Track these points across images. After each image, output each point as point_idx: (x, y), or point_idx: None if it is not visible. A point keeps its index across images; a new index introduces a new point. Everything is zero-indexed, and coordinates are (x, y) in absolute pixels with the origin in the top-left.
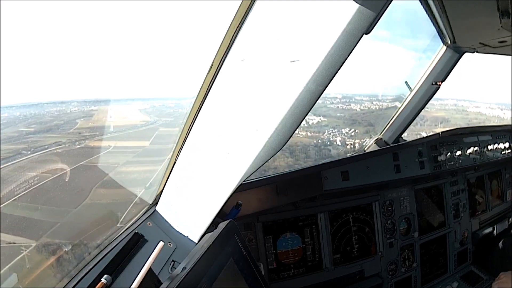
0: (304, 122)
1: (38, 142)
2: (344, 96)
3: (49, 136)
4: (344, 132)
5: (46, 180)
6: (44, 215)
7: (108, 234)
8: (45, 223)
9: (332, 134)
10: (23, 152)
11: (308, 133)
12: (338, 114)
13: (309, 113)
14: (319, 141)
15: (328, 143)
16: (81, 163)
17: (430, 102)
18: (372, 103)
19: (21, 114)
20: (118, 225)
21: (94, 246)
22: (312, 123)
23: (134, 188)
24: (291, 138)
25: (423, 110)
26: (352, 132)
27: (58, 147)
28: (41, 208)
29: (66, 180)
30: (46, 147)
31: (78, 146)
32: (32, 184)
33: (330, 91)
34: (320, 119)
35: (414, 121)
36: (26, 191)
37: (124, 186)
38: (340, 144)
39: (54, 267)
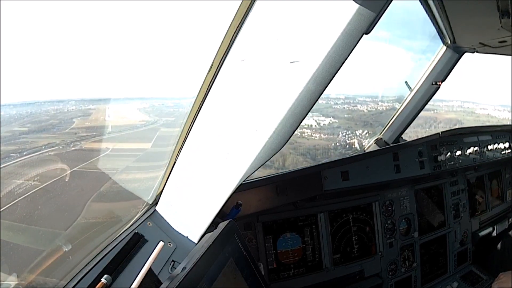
0: (315, 123)
1: (30, 143)
2: (347, 97)
3: (43, 136)
4: (358, 134)
5: (33, 190)
6: (28, 237)
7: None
8: (29, 250)
9: (347, 136)
10: (11, 154)
11: (322, 135)
12: (345, 115)
13: (319, 114)
14: (337, 143)
15: (347, 146)
16: (75, 168)
17: (436, 103)
18: (378, 104)
19: (17, 112)
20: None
21: (94, 246)
22: (324, 124)
23: (136, 202)
24: (307, 141)
25: (433, 112)
26: (366, 133)
27: (51, 149)
28: (25, 227)
29: (56, 191)
30: (37, 149)
31: (73, 148)
32: (19, 194)
33: (331, 92)
34: (330, 120)
35: (428, 123)
36: (11, 204)
37: (125, 199)
38: (358, 147)
39: (54, 267)
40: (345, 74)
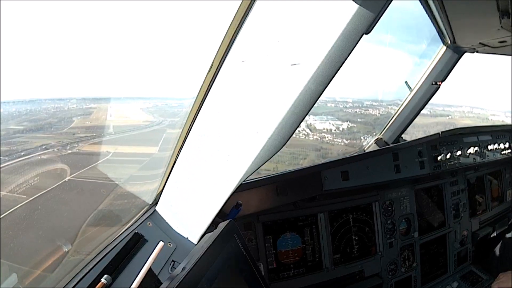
0: (334, 127)
1: (24, 144)
2: (354, 100)
3: (39, 136)
4: None
5: (17, 206)
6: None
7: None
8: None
9: (369, 141)
10: (1, 157)
11: (345, 140)
12: (359, 119)
13: (335, 118)
14: (365, 150)
15: None
16: (69, 177)
17: (447, 108)
18: (388, 108)
19: (17, 110)
20: None
21: (94, 246)
22: (343, 128)
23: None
24: (332, 147)
25: (449, 118)
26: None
27: (45, 151)
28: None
29: (44, 206)
30: (30, 151)
31: (69, 151)
32: (8, 205)
33: (335, 95)
34: (348, 124)
35: (448, 129)
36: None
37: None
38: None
39: (54, 267)
40: (347, 77)
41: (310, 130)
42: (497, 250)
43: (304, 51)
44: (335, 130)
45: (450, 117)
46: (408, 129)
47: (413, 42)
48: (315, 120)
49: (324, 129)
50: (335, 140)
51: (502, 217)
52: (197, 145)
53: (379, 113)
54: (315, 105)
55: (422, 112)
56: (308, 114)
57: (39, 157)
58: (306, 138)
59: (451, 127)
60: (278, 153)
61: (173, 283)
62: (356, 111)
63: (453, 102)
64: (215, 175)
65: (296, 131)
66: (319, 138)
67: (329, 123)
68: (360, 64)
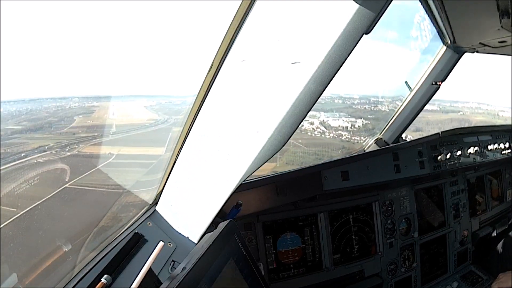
0: (348, 124)
1: (20, 146)
2: (361, 96)
3: (37, 136)
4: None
5: (6, 222)
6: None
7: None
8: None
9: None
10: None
11: (362, 137)
12: (369, 116)
13: (347, 115)
14: None
15: None
16: (66, 185)
17: (456, 104)
18: (396, 104)
19: (17, 109)
20: None
21: (94, 246)
22: (358, 126)
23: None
24: (353, 145)
25: (463, 114)
26: (406, 136)
27: (42, 154)
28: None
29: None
30: (26, 154)
31: (68, 154)
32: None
33: (339, 92)
34: (363, 121)
35: (464, 126)
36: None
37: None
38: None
39: (54, 267)
40: (347, 74)
41: (325, 127)
42: (497, 250)
43: (304, 51)
44: (351, 127)
45: (461, 113)
46: (423, 126)
47: (413, 39)
48: (328, 117)
49: (339, 126)
50: (354, 138)
51: (502, 217)
52: (197, 145)
53: (388, 109)
54: (323, 101)
55: (432, 108)
56: (319, 110)
57: (34, 161)
58: (323, 136)
59: (466, 124)
60: (300, 153)
61: (173, 283)
62: (365, 108)
63: (459, 98)
64: (215, 175)
65: (310, 129)
66: (336, 136)
67: (343, 120)
68: (360, 61)
